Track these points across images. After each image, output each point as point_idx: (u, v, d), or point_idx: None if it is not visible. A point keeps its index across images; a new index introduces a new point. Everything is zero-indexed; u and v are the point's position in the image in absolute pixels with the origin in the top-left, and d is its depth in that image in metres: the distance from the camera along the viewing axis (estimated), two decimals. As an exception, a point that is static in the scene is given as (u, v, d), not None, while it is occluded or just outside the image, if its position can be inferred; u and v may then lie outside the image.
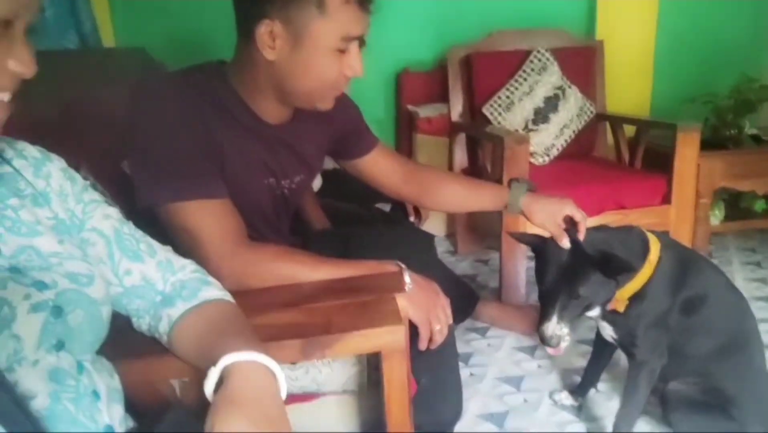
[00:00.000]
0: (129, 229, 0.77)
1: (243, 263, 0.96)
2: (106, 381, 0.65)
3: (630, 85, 2.89)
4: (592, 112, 2.57)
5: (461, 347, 1.91)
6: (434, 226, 2.77)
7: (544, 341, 1.25)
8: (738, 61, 2.91)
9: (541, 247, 1.30)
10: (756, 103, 2.50)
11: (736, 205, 2.61)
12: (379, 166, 1.39)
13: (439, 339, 1.04)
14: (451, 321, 1.08)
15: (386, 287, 0.91)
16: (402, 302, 0.89)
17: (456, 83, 2.64)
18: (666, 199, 2.15)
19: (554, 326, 1.24)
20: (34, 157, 0.69)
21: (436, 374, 1.19)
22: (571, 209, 1.28)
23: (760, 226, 2.57)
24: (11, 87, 0.56)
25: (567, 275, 1.24)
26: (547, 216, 1.30)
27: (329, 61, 1.01)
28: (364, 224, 1.59)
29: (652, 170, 2.27)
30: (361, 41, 1.05)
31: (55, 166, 0.71)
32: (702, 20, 2.94)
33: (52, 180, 0.69)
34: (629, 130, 2.53)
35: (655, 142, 2.36)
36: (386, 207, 2.13)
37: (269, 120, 1.11)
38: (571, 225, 1.30)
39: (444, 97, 2.68)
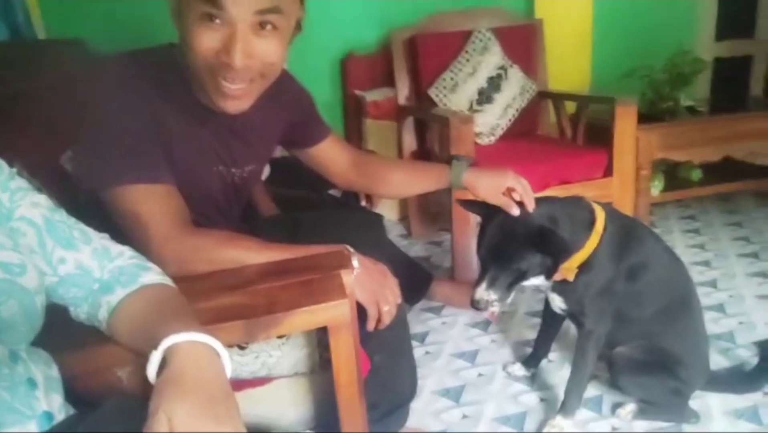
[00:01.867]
0: (61, 216, 0.75)
1: (187, 248, 0.95)
2: (43, 371, 0.63)
3: (570, 62, 2.96)
4: (534, 90, 2.62)
5: (417, 327, 1.93)
6: (387, 210, 2.78)
7: (471, 304, 1.30)
8: (673, 35, 3.02)
9: (487, 214, 1.32)
10: (690, 76, 2.60)
11: (674, 175, 2.70)
12: (330, 156, 1.39)
13: (387, 320, 1.04)
14: (399, 301, 1.08)
15: (331, 265, 0.91)
16: (348, 282, 0.89)
17: (401, 66, 2.64)
18: (608, 172, 2.22)
19: (482, 292, 1.29)
20: None
21: (389, 352, 1.20)
22: (512, 180, 1.30)
23: (698, 194, 2.68)
24: None
25: (502, 244, 1.28)
26: (491, 188, 1.31)
27: (195, 29, 0.91)
28: (314, 209, 1.59)
29: (593, 145, 2.33)
30: (263, 24, 0.94)
31: None
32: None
33: None
34: (571, 106, 2.59)
35: (595, 117, 2.42)
36: (338, 194, 2.13)
37: (216, 108, 1.04)
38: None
39: (390, 81, 2.68)
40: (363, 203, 2.07)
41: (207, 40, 0.91)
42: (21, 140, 1.30)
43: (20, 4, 2.11)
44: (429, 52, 2.56)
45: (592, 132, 2.43)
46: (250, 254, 0.98)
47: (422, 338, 1.90)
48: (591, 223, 1.32)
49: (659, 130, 2.36)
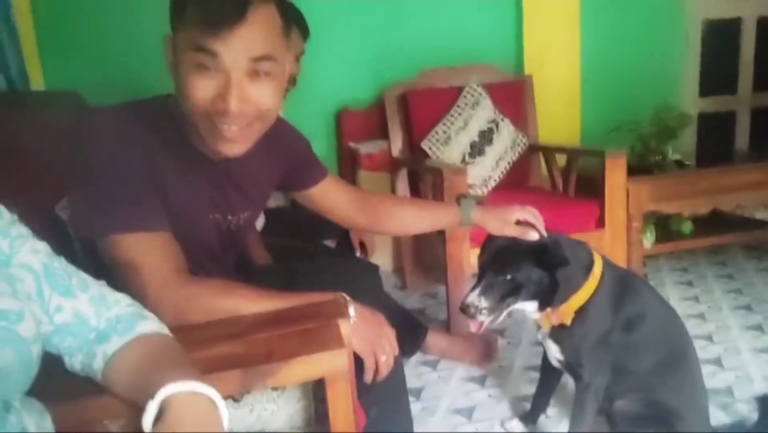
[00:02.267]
0: (60, 263, 0.74)
1: (183, 296, 0.93)
2: (37, 422, 0.61)
3: (560, 116, 3.03)
4: (525, 143, 2.67)
5: (413, 382, 1.90)
6: (381, 261, 2.76)
7: (461, 308, 1.31)
8: (658, 90, 3.11)
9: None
10: (676, 130, 2.66)
11: (666, 227, 2.73)
12: (331, 196, 1.37)
13: (384, 370, 1.02)
14: (397, 352, 1.06)
15: (328, 313, 0.90)
16: (345, 332, 0.88)
17: (394, 120, 2.70)
18: (600, 224, 2.24)
19: (474, 297, 1.29)
20: None
21: (385, 406, 1.17)
22: (520, 212, 1.35)
23: (689, 246, 2.69)
24: None
25: (503, 253, 1.30)
26: (502, 222, 1.34)
27: (191, 78, 0.92)
28: (305, 258, 1.58)
29: (584, 196, 2.36)
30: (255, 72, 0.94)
31: None
32: (621, 53, 3.14)
33: None
34: (561, 159, 2.63)
35: (586, 169, 2.46)
36: (332, 245, 2.13)
37: (213, 157, 1.06)
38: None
39: (384, 134, 2.73)
40: (357, 254, 2.07)
41: (203, 89, 0.92)
42: (15, 188, 1.30)
43: (14, 58, 2.15)
44: (421, 107, 2.62)
45: (583, 184, 2.47)
46: (247, 304, 0.96)
47: (418, 392, 1.86)
48: (589, 267, 1.33)
49: (649, 183, 2.40)
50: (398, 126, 2.70)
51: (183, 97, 0.96)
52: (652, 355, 1.38)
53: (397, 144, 2.70)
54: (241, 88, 0.92)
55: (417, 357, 2.03)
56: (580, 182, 2.49)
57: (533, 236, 1.30)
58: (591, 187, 2.32)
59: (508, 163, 2.60)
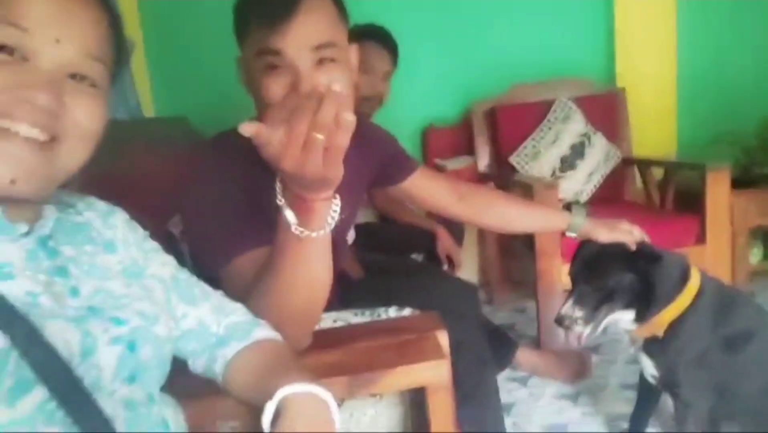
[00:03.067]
0: (185, 274, 0.82)
1: None
2: (173, 414, 0.68)
3: (655, 128, 2.92)
4: (618, 156, 2.60)
5: (502, 398, 1.87)
6: (467, 275, 2.77)
7: (556, 320, 1.30)
8: (762, 99, 2.93)
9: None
10: (785, 141, 2.50)
11: (774, 243, 2.57)
12: (426, 187, 1.37)
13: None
14: None
15: (423, 327, 0.93)
16: (444, 343, 0.89)
17: (481, 136, 2.71)
18: (700, 240, 2.14)
19: (568, 307, 1.28)
20: (102, 210, 0.76)
21: (480, 421, 1.19)
22: (628, 226, 1.35)
23: (802, 263, 2.52)
24: (40, 122, 0.58)
25: (596, 260, 1.30)
26: (613, 231, 1.34)
27: (264, 82, 0.95)
28: (401, 274, 1.62)
29: (683, 211, 2.27)
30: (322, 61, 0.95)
31: (119, 217, 0.77)
32: (721, 60, 2.98)
33: (117, 230, 0.75)
34: (657, 172, 2.54)
35: (684, 183, 2.36)
36: (419, 257, 2.16)
37: None
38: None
39: (469, 150, 2.74)
40: (444, 267, 2.09)
41: (276, 87, 0.95)
42: (135, 206, 1.43)
43: (132, 91, 2.36)
44: (510, 122, 2.62)
45: (681, 198, 2.37)
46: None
47: (509, 409, 1.85)
48: (685, 279, 1.29)
49: (755, 197, 2.27)
50: (485, 141, 2.71)
51: (261, 105, 0.98)
52: (762, 377, 1.31)
53: (483, 160, 2.71)
54: (310, 78, 0.94)
55: (506, 373, 2.01)
56: (677, 196, 2.39)
57: (633, 244, 1.30)
58: (689, 202, 2.22)
59: (601, 177, 2.54)
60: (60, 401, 0.53)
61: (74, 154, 0.62)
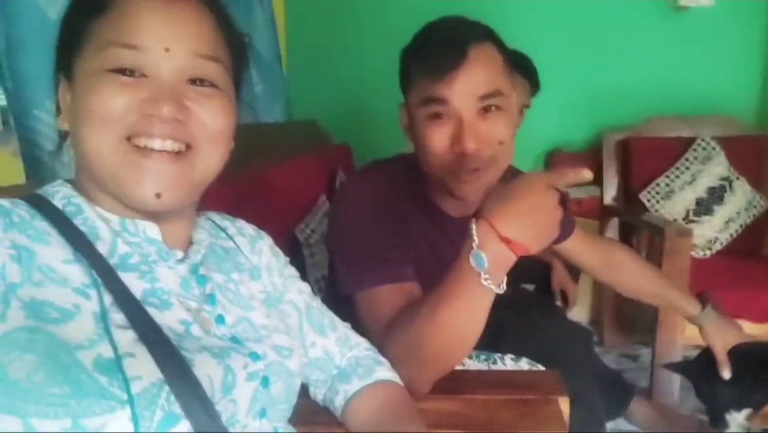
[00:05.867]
0: (317, 303, 0.84)
1: None
2: None
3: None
4: (763, 206, 2.38)
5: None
6: (579, 311, 2.66)
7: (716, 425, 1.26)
8: None
9: (695, 375, 1.31)
10: None
11: None
12: (579, 249, 1.40)
13: None
14: None
15: (546, 387, 0.90)
16: (566, 411, 0.85)
17: (611, 167, 2.58)
18: None
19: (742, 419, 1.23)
20: (251, 235, 0.79)
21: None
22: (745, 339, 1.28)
23: None
24: (170, 133, 0.59)
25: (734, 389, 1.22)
26: (721, 342, 1.29)
27: (427, 131, 0.97)
28: (515, 309, 1.57)
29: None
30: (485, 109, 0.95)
31: (265, 243, 0.80)
32: None
33: (263, 256, 0.78)
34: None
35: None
36: (530, 288, 2.09)
37: (452, 213, 1.10)
38: None
39: (595, 179, 2.62)
40: (557, 302, 2.01)
41: (439, 137, 0.96)
42: (263, 212, 1.49)
43: (286, 89, 2.50)
44: (644, 156, 2.47)
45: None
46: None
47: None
48: None
49: None
50: (614, 173, 2.58)
51: (422, 153, 1.00)
52: None
53: (610, 191, 2.58)
54: (474, 128, 0.94)
55: (612, 425, 1.90)
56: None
57: (726, 375, 1.26)
58: None
59: (740, 226, 2.34)
60: None
61: (209, 158, 0.63)
